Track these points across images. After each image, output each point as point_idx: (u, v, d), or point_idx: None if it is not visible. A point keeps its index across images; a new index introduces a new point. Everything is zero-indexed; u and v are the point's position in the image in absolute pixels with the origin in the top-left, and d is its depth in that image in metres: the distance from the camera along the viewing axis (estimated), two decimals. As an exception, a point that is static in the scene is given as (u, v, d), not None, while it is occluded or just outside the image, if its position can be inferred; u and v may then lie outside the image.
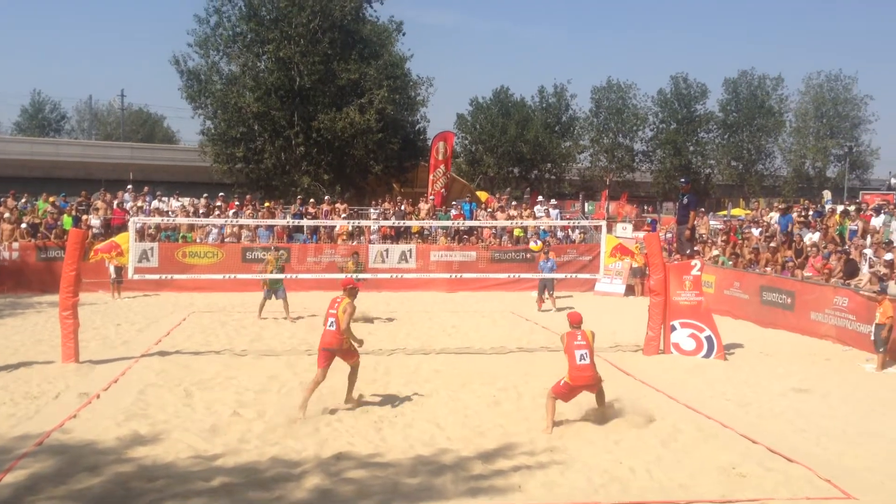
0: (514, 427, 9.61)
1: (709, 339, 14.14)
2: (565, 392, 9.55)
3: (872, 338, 13.83)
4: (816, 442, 9.24)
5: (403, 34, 36.44)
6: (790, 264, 18.84)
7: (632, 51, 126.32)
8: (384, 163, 33.43)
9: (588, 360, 9.45)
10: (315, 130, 31.80)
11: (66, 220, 23.05)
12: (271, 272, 17.61)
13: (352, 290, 10.34)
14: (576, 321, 9.81)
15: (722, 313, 17.76)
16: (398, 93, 34.18)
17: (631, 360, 13.94)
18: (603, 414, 9.77)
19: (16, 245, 22.09)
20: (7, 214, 23.02)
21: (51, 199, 25.07)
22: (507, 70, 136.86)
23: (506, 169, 54.65)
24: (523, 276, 21.35)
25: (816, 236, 19.68)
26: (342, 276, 16.67)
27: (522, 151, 53.71)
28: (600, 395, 9.73)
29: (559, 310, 19.73)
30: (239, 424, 9.56)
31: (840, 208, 23.03)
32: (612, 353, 14.45)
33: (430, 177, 30.94)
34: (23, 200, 24.90)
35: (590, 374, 9.47)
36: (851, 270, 17.11)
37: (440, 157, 30.80)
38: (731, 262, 21.09)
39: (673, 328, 14.39)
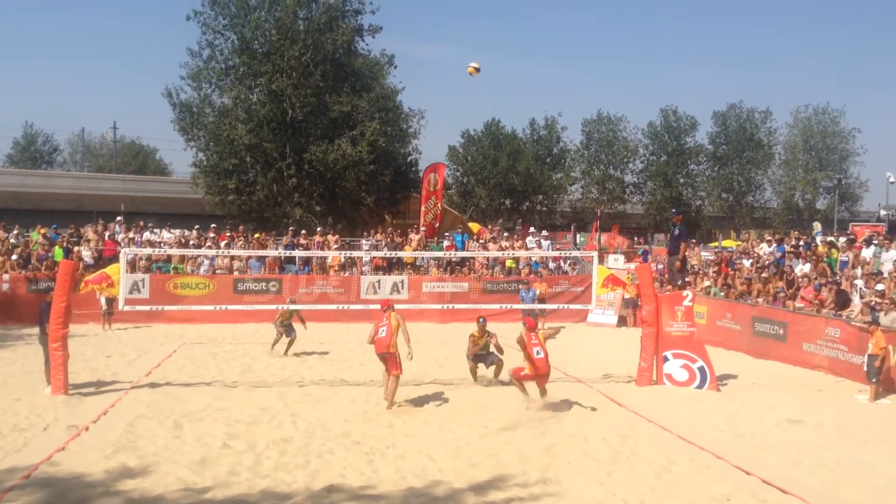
0: (507, 458, 9.54)
1: (701, 369, 14.13)
2: (531, 376, 12.19)
3: (865, 368, 13.83)
4: (811, 473, 9.20)
5: (395, 67, 36.81)
6: (781, 295, 18.89)
7: (622, 84, 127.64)
8: (376, 194, 33.53)
9: (542, 355, 12.08)
10: (307, 162, 31.89)
11: (58, 252, 22.96)
12: (280, 322, 17.33)
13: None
14: (532, 325, 12.72)
15: (714, 344, 17.75)
16: (390, 125, 34.39)
17: (623, 390, 13.90)
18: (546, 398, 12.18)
19: (6, 277, 21.97)
20: (-3, 246, 22.94)
21: (42, 230, 25.00)
22: (498, 103, 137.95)
23: (497, 200, 54.89)
24: (515, 306, 21.31)
25: (807, 267, 19.75)
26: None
27: (514, 183, 53.99)
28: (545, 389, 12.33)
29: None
30: (229, 457, 9.47)
31: (828, 239, 23.15)
32: (605, 384, 14.42)
33: (422, 208, 31.03)
34: (14, 232, 24.80)
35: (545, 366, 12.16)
36: (843, 301, 17.16)
37: (432, 189, 30.91)
38: (722, 293, 21.13)
39: (665, 359, 14.38)
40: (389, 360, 12.21)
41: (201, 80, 32.82)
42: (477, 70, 19.29)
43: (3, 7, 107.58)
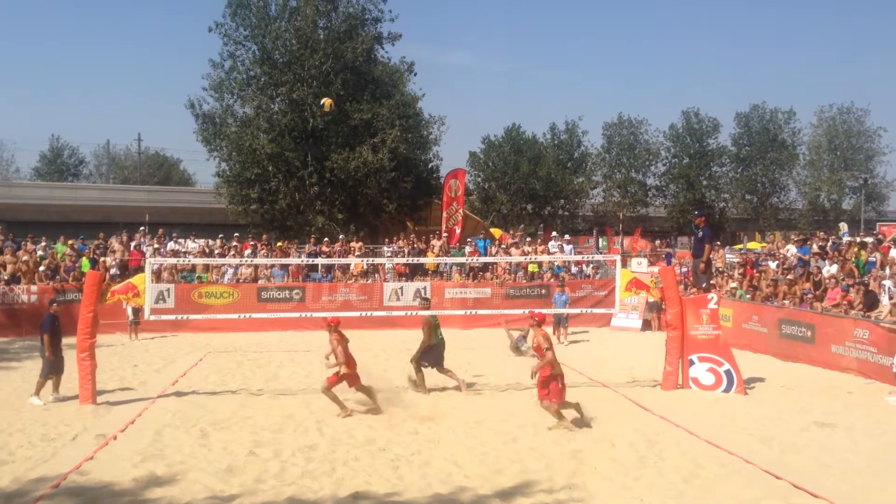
0: (532, 464, 9.51)
1: (728, 373, 13.99)
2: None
3: (895, 370, 13.64)
4: (842, 477, 9.07)
5: (415, 74, 37.00)
6: (809, 296, 18.68)
7: (642, 87, 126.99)
8: (397, 201, 33.65)
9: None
10: (328, 170, 32.06)
11: (84, 263, 23.20)
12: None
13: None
14: (542, 319, 13.14)
15: (741, 347, 17.58)
16: (411, 132, 34.53)
17: (649, 395, 13.79)
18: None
19: (34, 288, 22.22)
20: (26, 258, 23.20)
21: (69, 242, 25.26)
22: (518, 108, 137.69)
23: (519, 205, 54.90)
24: (539, 311, 21.20)
25: (834, 268, 19.52)
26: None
27: (535, 188, 53.95)
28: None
29: (569, 343, 19.88)
30: (255, 465, 9.51)
31: (858, 240, 22.84)
32: (630, 389, 14.33)
33: (444, 214, 31.05)
34: (41, 244, 25.09)
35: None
36: (871, 302, 16.94)
37: (453, 195, 30.94)
38: (748, 296, 20.92)
39: (691, 362, 14.26)
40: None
41: (223, 90, 33.21)
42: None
43: (28, 22, 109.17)
